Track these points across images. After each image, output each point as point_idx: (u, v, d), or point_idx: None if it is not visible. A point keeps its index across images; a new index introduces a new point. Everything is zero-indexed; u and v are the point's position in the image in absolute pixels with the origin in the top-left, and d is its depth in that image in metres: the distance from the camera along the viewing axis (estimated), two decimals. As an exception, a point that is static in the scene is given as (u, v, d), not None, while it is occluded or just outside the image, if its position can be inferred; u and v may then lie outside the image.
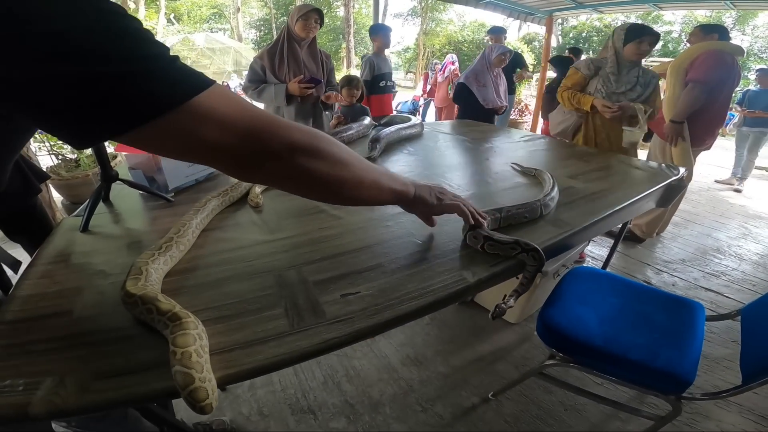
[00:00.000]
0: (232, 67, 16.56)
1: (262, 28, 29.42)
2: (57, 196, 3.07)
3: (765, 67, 4.55)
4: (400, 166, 1.41)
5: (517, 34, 22.28)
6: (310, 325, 0.59)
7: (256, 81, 2.13)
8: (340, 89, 2.59)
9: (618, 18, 21.13)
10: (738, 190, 4.20)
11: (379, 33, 3.24)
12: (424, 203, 0.76)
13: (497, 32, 4.11)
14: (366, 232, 0.88)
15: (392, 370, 1.53)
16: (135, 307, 0.57)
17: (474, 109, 3.06)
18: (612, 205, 1.10)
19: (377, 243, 0.83)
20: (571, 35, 22.71)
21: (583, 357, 1.07)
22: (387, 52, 3.42)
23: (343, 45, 26.37)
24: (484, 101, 3.06)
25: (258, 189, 1.07)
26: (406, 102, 6.96)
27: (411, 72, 24.37)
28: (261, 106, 2.18)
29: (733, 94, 2.46)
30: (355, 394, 1.42)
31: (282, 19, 28.18)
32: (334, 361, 1.57)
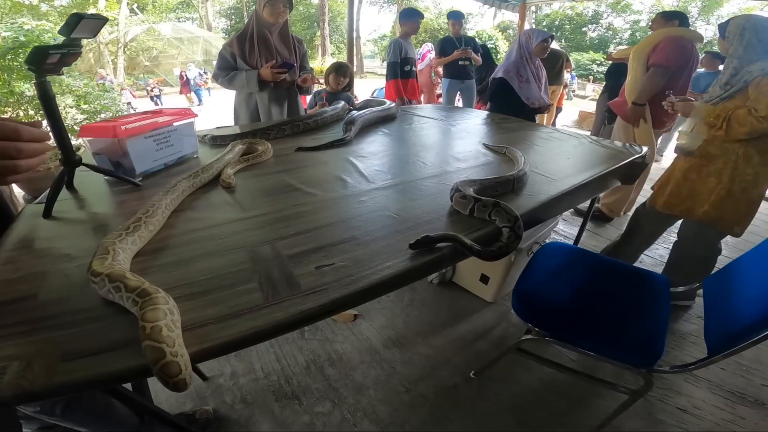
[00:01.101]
0: (202, 56, 16.00)
1: (233, 16, 28.48)
2: (18, 192, 2.93)
3: (715, 50, 4.75)
4: (376, 146, 1.41)
5: (492, 21, 22.44)
6: (285, 297, 0.59)
7: (226, 68, 2.07)
8: (326, 75, 2.56)
9: (589, 7, 21.61)
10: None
11: (411, 18, 3.22)
12: None
13: (456, 17, 4.13)
14: (341, 207, 0.88)
15: (374, 352, 1.55)
16: (102, 286, 0.55)
17: (515, 109, 2.44)
18: (580, 179, 1.13)
19: (352, 217, 0.83)
20: (544, 23, 23.05)
21: (557, 331, 1.09)
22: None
23: (318, 33, 25.90)
24: (528, 99, 2.48)
25: (230, 170, 1.05)
26: (382, 89, 6.93)
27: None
28: (233, 93, 2.11)
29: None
30: (339, 377, 1.43)
31: (254, 7, 27.27)
32: (315, 345, 1.57)
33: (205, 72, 11.00)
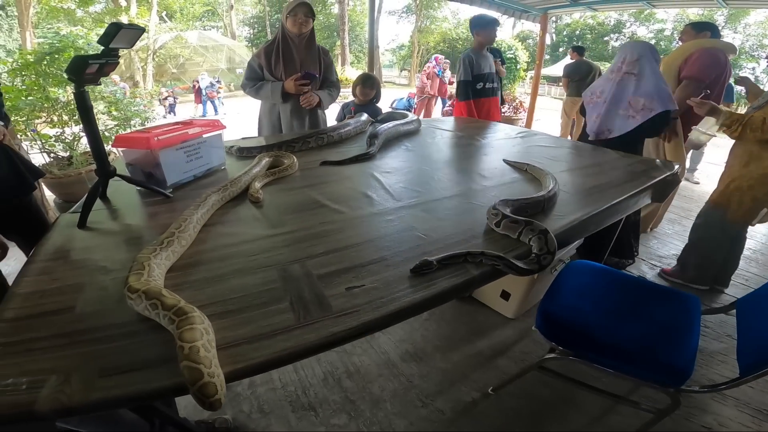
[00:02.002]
0: (225, 64, 16.41)
1: (256, 25, 29.16)
2: (50, 195, 3.03)
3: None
4: (400, 161, 1.41)
5: (512, 32, 22.35)
6: (317, 319, 0.59)
7: (254, 79, 2.10)
8: (354, 87, 2.57)
9: (611, 16, 21.33)
10: (696, 182, 4.25)
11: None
12: None
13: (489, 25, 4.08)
14: (368, 226, 0.88)
15: (392, 365, 1.53)
16: (139, 303, 0.56)
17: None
18: (609, 199, 1.11)
19: (380, 237, 0.83)
20: (564, 33, 22.84)
21: (582, 350, 1.07)
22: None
23: (338, 42, 26.28)
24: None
25: (258, 184, 1.06)
26: (401, 99, 6.93)
27: (405, 69, 24.33)
28: (259, 102, 2.15)
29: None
30: (356, 390, 1.42)
31: (276, 16, 27.97)
32: (333, 357, 1.56)
33: (218, 81, 10.79)
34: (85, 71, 0.87)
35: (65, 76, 0.90)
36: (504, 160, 1.42)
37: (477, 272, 0.73)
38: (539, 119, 6.76)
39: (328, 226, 0.87)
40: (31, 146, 3.03)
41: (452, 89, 6.89)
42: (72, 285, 0.67)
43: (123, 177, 1.01)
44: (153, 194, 1.06)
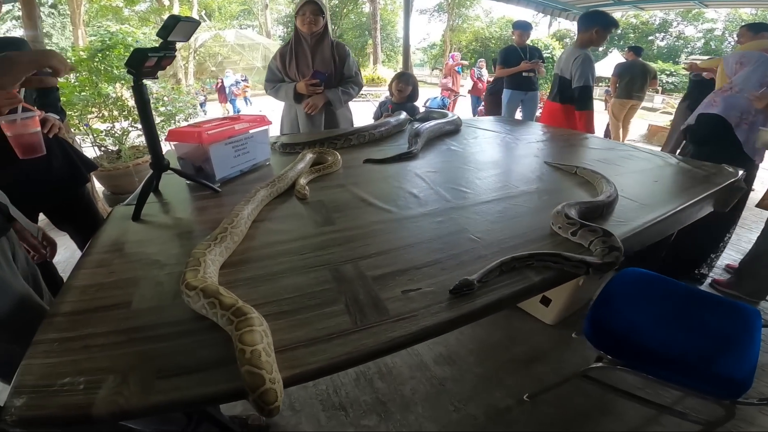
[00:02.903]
0: (261, 62, 16.83)
1: (290, 24, 29.71)
2: (99, 187, 3.18)
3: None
4: (443, 161, 1.37)
5: (548, 30, 21.70)
6: (374, 323, 0.57)
7: (273, 80, 2.12)
8: (390, 85, 2.53)
9: (655, 14, 20.30)
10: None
11: (607, 26, 2.39)
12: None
13: (524, 27, 3.96)
14: (418, 227, 0.85)
15: (425, 368, 1.50)
16: (196, 300, 0.55)
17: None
18: (671, 206, 1.03)
19: (431, 239, 0.80)
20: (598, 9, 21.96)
21: (634, 359, 1.02)
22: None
23: (370, 41, 26.42)
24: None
25: (303, 180, 1.06)
26: (435, 98, 6.85)
27: (437, 69, 24.13)
28: (281, 104, 2.18)
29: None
30: (387, 391, 1.39)
31: (309, 15, 28.41)
32: (366, 357, 1.55)
33: (245, 79, 10.58)
34: (144, 64, 0.87)
35: (125, 68, 0.90)
36: (546, 162, 1.36)
37: (537, 279, 0.69)
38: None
39: (377, 226, 0.84)
40: (84, 140, 3.18)
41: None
42: (128, 279, 0.67)
43: (175, 170, 1.02)
44: (201, 188, 1.07)
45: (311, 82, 1.94)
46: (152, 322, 0.57)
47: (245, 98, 9.78)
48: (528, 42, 4.11)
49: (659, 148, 3.51)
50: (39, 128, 1.25)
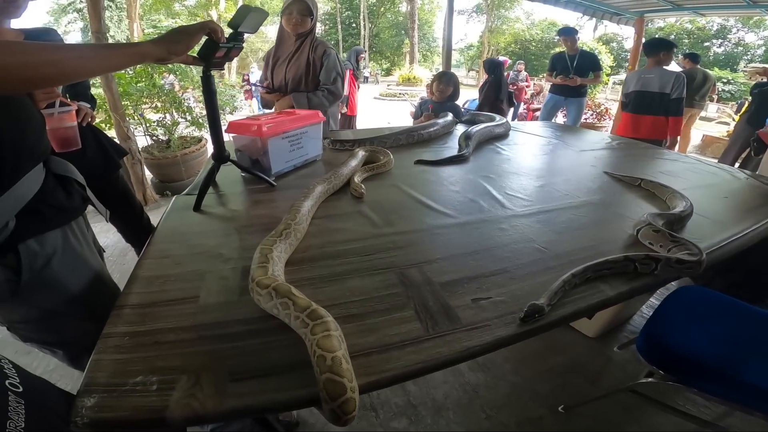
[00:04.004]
0: (299, 59, 17.14)
1: (327, 22, 30.13)
2: (148, 175, 3.32)
3: None
4: (498, 165, 1.33)
5: (593, 34, 20.94)
6: (447, 331, 0.55)
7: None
8: (431, 84, 2.47)
9: (713, 20, 19.11)
10: None
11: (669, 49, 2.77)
12: (177, 42, 0.74)
13: (569, 33, 3.85)
14: (481, 233, 0.82)
15: (458, 373, 1.47)
16: (268, 300, 0.54)
17: None
18: (742, 224, 0.95)
19: (496, 246, 0.77)
20: (656, 36, 20.89)
21: (693, 377, 0.98)
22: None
23: (406, 41, 26.40)
24: None
25: (358, 178, 1.05)
26: (474, 100, 6.74)
27: (474, 70, 23.75)
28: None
29: None
30: (419, 395, 1.37)
31: (346, 13, 28.74)
32: (401, 359, 1.54)
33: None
34: (215, 55, 0.88)
35: (195, 58, 0.89)
36: (607, 173, 1.29)
37: (612, 293, 0.66)
38: (626, 127, 6.22)
39: (439, 230, 0.82)
40: (137, 129, 3.33)
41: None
42: (193, 272, 0.67)
43: (235, 163, 1.04)
44: (256, 181, 1.08)
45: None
46: (221, 319, 0.56)
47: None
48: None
49: (715, 160, 3.31)
50: (75, 123, 1.32)
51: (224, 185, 1.09)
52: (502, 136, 1.76)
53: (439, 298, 0.61)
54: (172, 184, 3.34)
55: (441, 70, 3.00)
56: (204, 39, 0.89)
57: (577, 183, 1.18)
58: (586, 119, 5.94)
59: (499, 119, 1.84)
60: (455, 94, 2.55)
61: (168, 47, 0.73)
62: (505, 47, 22.68)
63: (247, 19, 0.87)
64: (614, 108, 5.72)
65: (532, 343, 1.62)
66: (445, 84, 2.48)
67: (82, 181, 0.93)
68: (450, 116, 1.85)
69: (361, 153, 1.22)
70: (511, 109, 7.18)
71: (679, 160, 1.53)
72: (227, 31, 0.88)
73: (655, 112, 2.82)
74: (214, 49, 0.86)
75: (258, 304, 0.56)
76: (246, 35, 0.94)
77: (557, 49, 4.09)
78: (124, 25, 12.71)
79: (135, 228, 1.85)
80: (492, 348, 0.54)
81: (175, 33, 0.75)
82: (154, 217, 3.09)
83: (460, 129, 1.87)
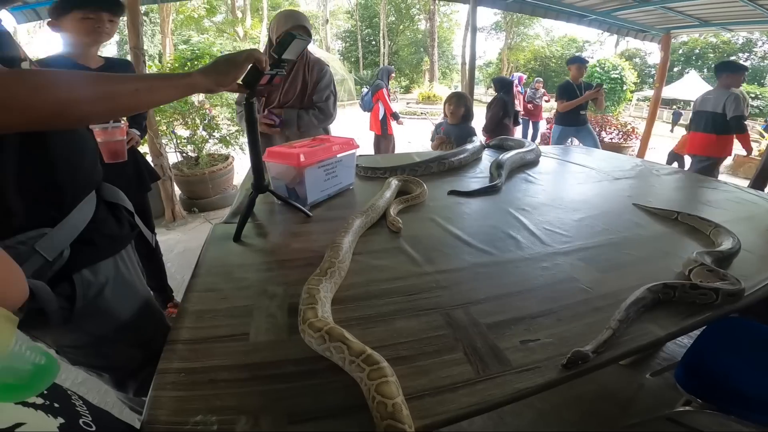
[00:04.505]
0: (319, 76, 17.48)
1: (348, 39, 30.88)
2: (177, 191, 3.42)
3: None
4: (531, 196, 1.31)
5: (614, 49, 20.75)
6: (497, 373, 0.55)
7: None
8: (444, 104, 2.46)
9: (739, 34, 18.71)
10: None
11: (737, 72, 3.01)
12: (225, 73, 0.74)
13: (581, 62, 3.92)
14: (522, 272, 0.81)
15: (485, 400, 1.44)
16: (320, 343, 0.55)
17: None
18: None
19: (540, 286, 0.76)
20: (681, 51, 20.47)
21: (733, 405, 0.97)
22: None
23: (425, 58, 26.76)
24: None
25: (393, 211, 1.05)
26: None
27: (491, 87, 23.80)
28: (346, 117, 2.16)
29: None
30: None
31: (366, 31, 29.41)
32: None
33: None
34: (259, 82, 0.89)
35: (240, 83, 0.90)
36: (636, 205, 1.25)
37: (662, 334, 0.65)
38: (654, 147, 6.00)
39: (480, 269, 0.82)
40: (168, 145, 3.44)
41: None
42: (241, 308, 0.68)
43: (273, 193, 1.06)
44: (291, 209, 1.09)
45: (267, 121, 1.77)
46: (273, 358, 0.57)
47: None
48: (593, 63, 4.06)
49: (747, 182, 3.21)
50: (125, 137, 1.45)
51: (259, 213, 1.11)
52: (533, 162, 1.75)
53: (487, 340, 0.61)
54: (199, 201, 3.43)
55: (458, 89, 3.05)
56: (205, 59, 0.91)
57: (615, 216, 1.16)
58: (611, 139, 5.83)
59: (528, 144, 1.83)
60: (468, 115, 2.55)
61: (216, 79, 0.74)
62: (524, 64, 22.70)
63: (290, 46, 0.89)
64: (641, 127, 5.59)
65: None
66: (456, 105, 2.48)
67: (130, 208, 0.96)
68: (477, 141, 1.85)
69: (394, 183, 1.22)
70: (526, 130, 7.11)
71: (719, 188, 1.49)
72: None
73: (708, 131, 3.07)
74: (258, 76, 0.87)
75: (309, 345, 0.57)
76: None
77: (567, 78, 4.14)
78: (156, 40, 13.28)
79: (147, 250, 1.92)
80: (543, 389, 0.54)
81: (222, 64, 0.75)
82: (181, 234, 3.19)
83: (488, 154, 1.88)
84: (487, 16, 28.21)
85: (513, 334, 0.63)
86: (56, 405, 0.41)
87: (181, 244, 2.94)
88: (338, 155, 1.20)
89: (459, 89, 5.68)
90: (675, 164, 4.82)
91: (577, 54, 4.57)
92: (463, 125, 2.52)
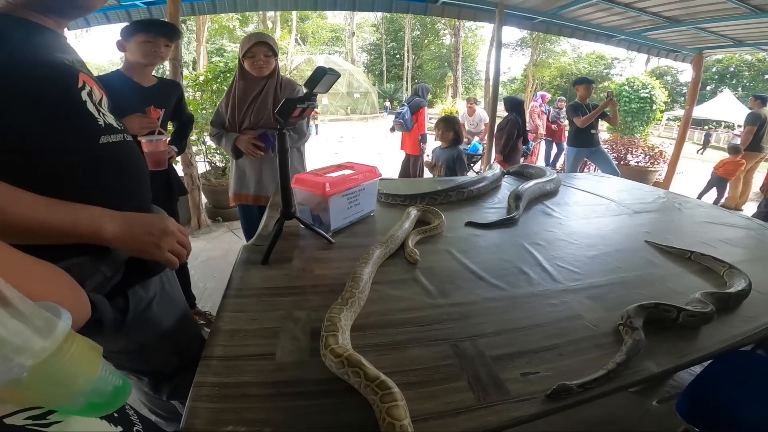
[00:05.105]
0: (345, 88, 17.91)
1: (373, 52, 31.44)
2: (204, 200, 3.59)
3: None
4: (548, 230, 1.33)
5: (645, 67, 20.33)
6: (496, 401, 0.60)
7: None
8: (435, 127, 2.49)
9: (778, 53, 18.02)
10: None
11: None
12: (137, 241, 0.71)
13: (589, 83, 4.04)
14: (531, 308, 0.86)
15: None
16: (340, 367, 0.61)
17: None
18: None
19: (548, 322, 0.81)
20: (714, 69, 19.85)
21: None
22: None
23: (449, 73, 26.93)
24: None
25: (411, 243, 1.11)
26: (475, 144, 6.29)
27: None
28: (347, 139, 2.22)
29: None
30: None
31: (391, 44, 29.89)
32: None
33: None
34: (292, 114, 0.96)
35: (276, 117, 0.98)
36: (648, 242, 1.26)
37: (657, 370, 0.70)
38: (682, 172, 5.84)
39: (491, 303, 0.87)
40: (197, 152, 3.61)
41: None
42: (268, 329, 0.75)
43: (300, 220, 1.13)
44: (314, 235, 1.15)
45: (256, 142, 1.80)
46: (296, 378, 0.63)
47: (314, 126, 10.10)
48: (621, 81, 4.12)
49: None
50: (166, 148, 1.65)
51: (285, 236, 1.14)
52: (552, 192, 1.77)
53: (490, 371, 0.66)
54: (224, 211, 3.58)
55: (482, 105, 3.12)
56: (283, 100, 0.99)
57: (629, 253, 1.18)
58: (638, 162, 5.69)
59: (549, 174, 1.85)
60: (457, 138, 2.57)
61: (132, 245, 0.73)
62: (550, 81, 22.50)
63: (322, 81, 0.95)
64: (670, 149, 5.45)
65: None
66: (445, 129, 2.51)
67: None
68: (498, 169, 1.89)
69: (413, 213, 1.28)
70: (549, 151, 7.03)
71: (741, 226, 1.47)
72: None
73: None
74: (292, 109, 0.94)
75: (330, 368, 0.63)
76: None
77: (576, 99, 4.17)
78: (191, 47, 13.89)
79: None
80: (535, 418, 0.59)
81: (143, 234, 0.73)
82: (205, 242, 3.32)
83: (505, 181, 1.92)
84: (513, 32, 28.21)
85: (515, 367, 0.67)
86: (115, 415, 0.48)
87: (204, 252, 3.08)
88: (361, 184, 1.27)
89: (482, 106, 5.71)
90: (714, 189, 4.67)
91: (583, 77, 4.62)
92: (452, 149, 2.54)
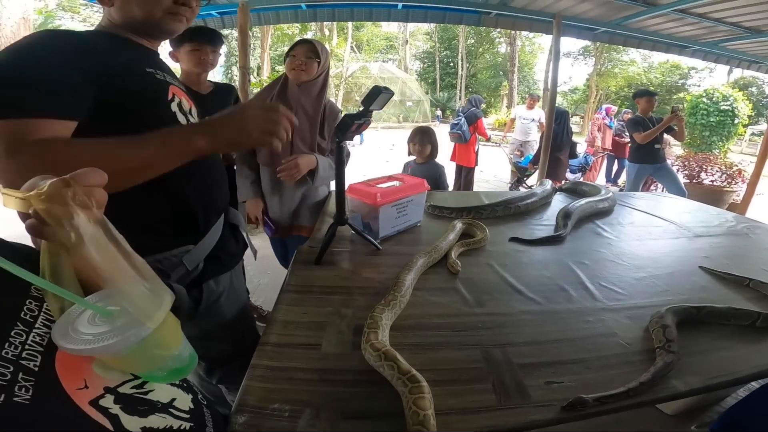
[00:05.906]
0: (398, 96, 18.17)
1: (426, 60, 31.55)
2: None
3: None
4: (595, 250, 1.30)
5: (727, 77, 18.48)
6: (516, 404, 0.64)
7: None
8: (407, 142, 2.35)
9: None
10: None
11: None
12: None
13: (651, 95, 3.79)
14: (566, 323, 0.88)
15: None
16: (377, 360, 0.69)
17: None
18: None
19: (580, 338, 0.82)
20: None
21: None
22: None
23: (504, 83, 26.28)
24: None
25: (454, 254, 1.17)
26: (529, 156, 5.94)
27: (577, 115, 22.48)
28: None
29: None
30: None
31: (445, 53, 29.82)
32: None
33: None
34: (350, 128, 1.06)
35: (334, 131, 1.08)
36: (702, 268, 1.20)
37: (684, 389, 0.69)
38: (762, 193, 5.26)
39: (525, 316, 0.90)
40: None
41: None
42: (317, 323, 0.84)
43: (351, 226, 1.24)
44: (364, 242, 1.24)
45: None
46: (337, 367, 0.72)
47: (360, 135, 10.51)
48: (700, 92, 3.84)
49: None
50: None
51: (337, 240, 1.24)
52: (606, 211, 1.72)
53: (515, 377, 0.70)
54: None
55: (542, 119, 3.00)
56: (342, 114, 1.08)
57: (681, 277, 1.15)
58: (713, 182, 5.22)
59: (604, 192, 1.79)
60: (434, 152, 2.35)
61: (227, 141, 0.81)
62: (616, 91, 21.14)
63: (377, 99, 1.05)
64: (750, 168, 4.91)
65: (604, 419, 1.52)
66: (420, 143, 2.29)
67: (245, 229, 1.21)
68: (549, 185, 1.85)
69: (458, 226, 1.32)
70: (611, 167, 6.63)
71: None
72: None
73: None
74: (350, 125, 1.04)
75: (368, 360, 0.71)
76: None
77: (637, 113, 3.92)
78: (256, 53, 14.83)
79: None
80: (554, 423, 0.62)
81: (232, 132, 0.81)
82: (260, 241, 3.47)
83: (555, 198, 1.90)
84: (574, 40, 27.00)
85: (540, 375, 0.71)
86: (185, 385, 0.57)
87: (260, 250, 3.28)
88: (410, 195, 1.35)
89: (543, 119, 5.54)
90: None
91: (643, 89, 4.37)
92: (429, 164, 2.34)
